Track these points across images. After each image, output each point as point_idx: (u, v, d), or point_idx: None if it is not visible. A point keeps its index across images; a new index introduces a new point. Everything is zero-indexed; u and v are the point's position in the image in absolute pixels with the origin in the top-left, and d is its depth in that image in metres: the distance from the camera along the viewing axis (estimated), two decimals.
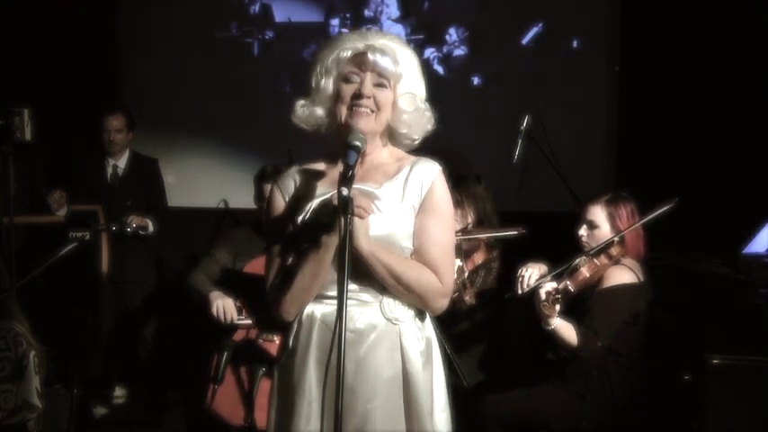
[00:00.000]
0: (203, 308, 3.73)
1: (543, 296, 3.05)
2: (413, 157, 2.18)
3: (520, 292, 3.28)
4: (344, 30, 5.64)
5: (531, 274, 3.30)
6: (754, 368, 3.37)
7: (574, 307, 3.23)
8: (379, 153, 2.17)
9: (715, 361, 3.38)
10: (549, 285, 3.08)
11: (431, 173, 2.14)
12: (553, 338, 3.14)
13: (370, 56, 2.06)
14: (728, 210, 4.51)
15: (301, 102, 2.16)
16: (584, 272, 3.21)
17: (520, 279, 3.30)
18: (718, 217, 4.53)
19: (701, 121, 5.02)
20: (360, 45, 2.08)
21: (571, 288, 3.12)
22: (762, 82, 4.93)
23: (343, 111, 2.09)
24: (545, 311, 3.06)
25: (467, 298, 3.52)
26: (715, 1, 5.01)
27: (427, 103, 2.16)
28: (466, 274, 3.54)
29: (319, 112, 2.14)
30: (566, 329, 3.12)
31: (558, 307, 3.06)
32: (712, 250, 3.95)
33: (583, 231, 3.39)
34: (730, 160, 4.92)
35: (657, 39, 5.15)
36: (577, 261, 3.26)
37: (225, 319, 3.65)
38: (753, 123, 4.95)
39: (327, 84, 2.11)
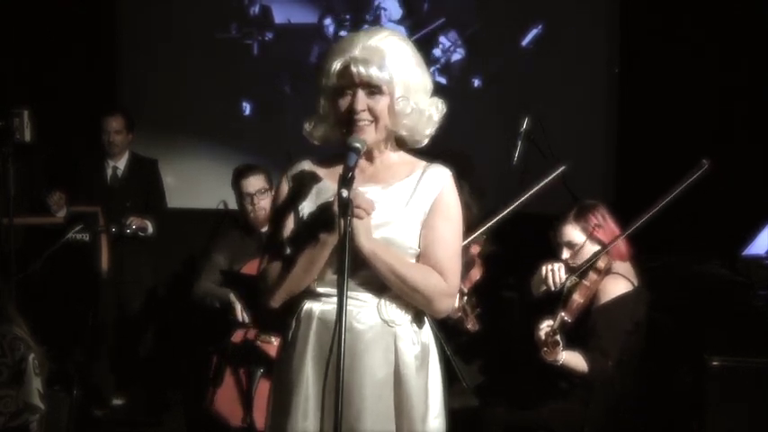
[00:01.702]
0: (224, 312, 3.72)
1: (543, 338, 2.96)
2: (424, 162, 2.18)
3: (553, 288, 3.19)
4: (343, 32, 5.64)
5: (560, 267, 3.22)
6: (754, 370, 3.36)
7: (574, 327, 3.16)
8: (388, 156, 2.18)
9: (714, 362, 3.37)
10: (545, 326, 2.98)
11: (442, 178, 2.14)
12: (563, 370, 3.09)
13: (353, 68, 2.04)
14: (728, 211, 4.50)
15: (309, 120, 2.18)
16: (578, 299, 3.10)
17: (550, 274, 3.21)
18: (718, 218, 4.52)
19: (701, 121, 5.01)
20: (345, 57, 2.05)
21: (568, 319, 3.02)
22: (762, 82, 4.92)
23: (343, 127, 2.09)
24: (548, 357, 2.98)
25: (469, 326, 3.43)
26: (715, 1, 5.00)
27: (429, 96, 2.14)
28: (465, 299, 3.43)
29: (325, 127, 2.16)
30: (574, 359, 3.06)
31: (560, 347, 2.97)
32: (712, 252, 3.95)
33: (566, 255, 3.29)
34: (730, 161, 4.91)
35: (657, 39, 5.15)
36: (568, 286, 3.17)
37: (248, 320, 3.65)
38: (753, 124, 4.94)
39: (326, 100, 2.12)
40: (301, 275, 2.08)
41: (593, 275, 3.15)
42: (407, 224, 2.10)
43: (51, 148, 5.25)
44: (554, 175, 3.50)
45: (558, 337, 2.95)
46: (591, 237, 3.25)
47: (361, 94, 2.06)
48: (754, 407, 3.34)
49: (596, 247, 3.24)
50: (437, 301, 2.12)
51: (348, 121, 2.07)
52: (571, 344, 3.07)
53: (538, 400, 3.31)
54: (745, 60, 5.00)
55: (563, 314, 3.02)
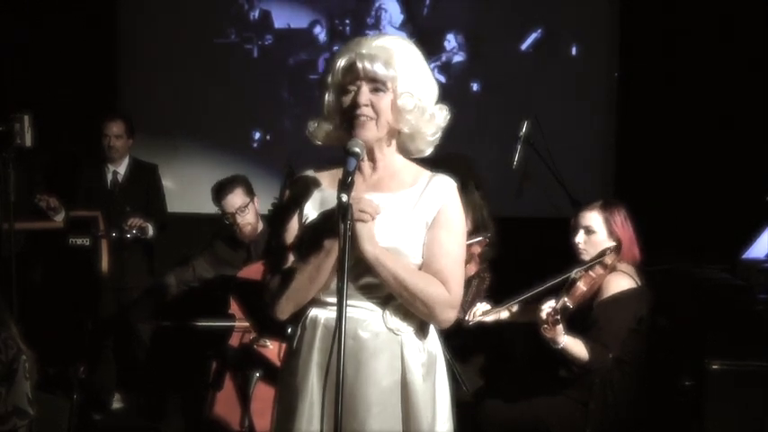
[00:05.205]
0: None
1: (543, 317, 3.02)
2: (429, 172, 2.18)
3: (465, 317, 3.37)
4: (345, 26, 5.66)
5: (480, 308, 3.41)
6: (754, 373, 3.37)
7: (576, 319, 3.20)
8: (392, 160, 2.16)
9: (715, 366, 3.38)
10: (548, 306, 3.03)
11: (446, 189, 2.13)
12: (563, 356, 3.12)
13: (358, 64, 2.05)
14: (728, 215, 4.51)
15: (312, 120, 2.17)
16: (581, 286, 3.17)
17: (473, 306, 3.42)
18: (718, 222, 4.52)
19: (701, 126, 5.02)
20: (352, 54, 2.07)
21: (569, 305, 3.07)
22: (762, 87, 4.93)
23: (346, 122, 2.09)
24: (547, 334, 3.04)
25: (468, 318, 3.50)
26: (715, 6, 5.01)
27: (434, 99, 2.14)
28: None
29: (328, 126, 2.15)
30: (575, 346, 3.10)
31: (559, 327, 3.03)
32: (712, 256, 3.95)
33: (579, 238, 3.37)
34: (729, 166, 4.92)
35: (657, 44, 5.16)
36: (573, 275, 3.22)
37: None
38: (752, 129, 4.95)
39: (330, 98, 2.12)
40: (307, 284, 2.07)
41: (599, 269, 3.24)
42: (411, 233, 2.09)
43: (52, 152, 5.26)
44: (478, 238, 3.63)
45: (558, 317, 3.02)
46: (610, 230, 3.34)
47: (365, 88, 2.06)
48: (754, 410, 3.34)
49: (610, 241, 3.32)
50: (439, 311, 2.10)
51: (350, 117, 2.07)
52: (574, 334, 3.13)
53: (537, 402, 3.31)
54: (745, 65, 5.01)
55: (565, 299, 3.07)
